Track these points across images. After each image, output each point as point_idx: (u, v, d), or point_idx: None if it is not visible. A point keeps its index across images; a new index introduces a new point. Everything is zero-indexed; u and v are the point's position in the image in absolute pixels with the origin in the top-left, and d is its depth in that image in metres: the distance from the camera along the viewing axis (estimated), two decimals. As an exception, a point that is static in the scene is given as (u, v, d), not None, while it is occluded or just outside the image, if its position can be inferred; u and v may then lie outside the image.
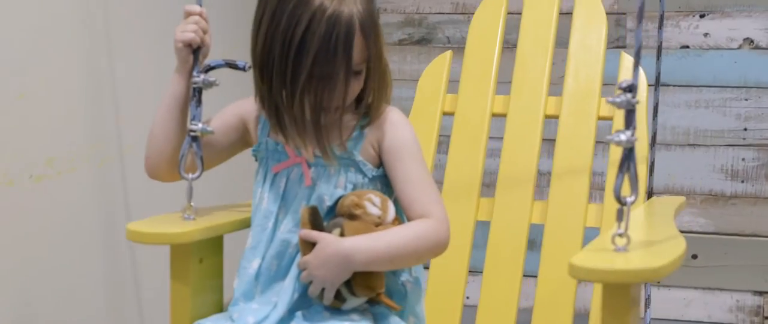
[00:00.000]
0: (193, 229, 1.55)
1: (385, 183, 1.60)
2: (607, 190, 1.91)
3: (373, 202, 1.54)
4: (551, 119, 1.99)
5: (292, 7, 1.49)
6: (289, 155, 1.59)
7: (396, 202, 1.59)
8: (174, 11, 2.40)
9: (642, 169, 1.87)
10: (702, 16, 2.68)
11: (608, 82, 1.96)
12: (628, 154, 1.31)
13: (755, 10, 2.64)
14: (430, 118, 2.03)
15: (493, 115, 2.01)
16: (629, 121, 1.30)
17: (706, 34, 2.69)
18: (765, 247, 2.69)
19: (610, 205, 1.83)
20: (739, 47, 2.67)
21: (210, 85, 1.63)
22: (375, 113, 1.59)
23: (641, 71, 1.75)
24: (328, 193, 1.57)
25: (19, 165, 2.00)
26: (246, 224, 1.65)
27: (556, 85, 2.02)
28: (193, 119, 1.62)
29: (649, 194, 1.95)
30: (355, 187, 1.57)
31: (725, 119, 2.69)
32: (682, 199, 1.91)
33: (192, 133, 1.61)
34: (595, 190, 2.62)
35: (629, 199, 1.30)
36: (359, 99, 1.58)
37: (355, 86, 1.53)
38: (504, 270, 1.91)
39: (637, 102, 1.30)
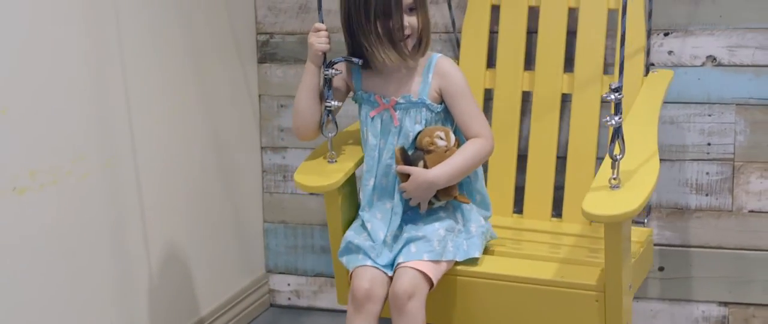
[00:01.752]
0: (338, 178, 2.32)
1: (446, 114, 2.34)
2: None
3: (440, 137, 2.27)
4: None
5: None
6: (379, 103, 2.34)
7: (455, 129, 2.34)
8: (156, 33, 2.47)
9: (641, 57, 2.61)
10: (666, 35, 2.74)
11: None
12: (617, 131, 2.04)
13: (717, 28, 2.71)
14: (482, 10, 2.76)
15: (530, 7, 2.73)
16: (617, 109, 2.03)
17: (670, 52, 2.75)
18: (729, 259, 2.78)
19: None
20: (702, 64, 2.74)
21: (335, 74, 2.35)
22: (424, 50, 2.33)
23: None
24: (410, 127, 2.31)
25: (2, 178, 2.06)
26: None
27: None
28: (327, 99, 2.35)
29: (647, 69, 2.64)
30: (427, 122, 2.31)
31: (690, 134, 2.76)
32: (670, 74, 2.62)
33: (328, 107, 2.35)
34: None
35: (619, 156, 2.04)
36: (418, 45, 2.31)
37: (412, 21, 2.29)
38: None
39: (622, 97, 2.02)
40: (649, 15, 2.63)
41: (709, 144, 2.76)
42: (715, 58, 2.73)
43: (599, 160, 2.55)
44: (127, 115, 2.47)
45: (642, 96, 2.50)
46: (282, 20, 3.05)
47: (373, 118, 2.35)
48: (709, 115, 2.75)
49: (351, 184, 2.42)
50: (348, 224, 2.40)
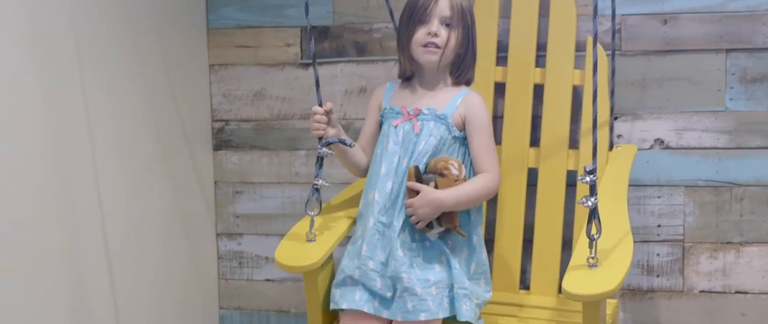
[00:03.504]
0: (319, 258, 2.31)
1: (462, 142, 2.42)
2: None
3: (455, 167, 2.34)
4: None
5: None
6: (404, 113, 2.43)
7: (468, 163, 2.42)
8: (117, 117, 2.48)
9: (605, 132, 2.69)
10: (615, 119, 2.79)
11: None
12: (593, 212, 2.09)
13: (664, 112, 2.77)
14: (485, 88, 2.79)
15: (496, 82, 2.81)
16: (592, 191, 2.08)
17: (619, 136, 2.80)
18: (682, 339, 2.81)
19: (584, 148, 2.69)
20: (651, 147, 2.79)
21: (328, 155, 2.40)
22: (461, 80, 2.47)
23: (604, 54, 2.68)
24: (425, 139, 2.39)
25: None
26: (349, 235, 2.48)
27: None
28: (316, 177, 2.38)
29: (611, 145, 2.71)
30: (441, 139, 2.39)
31: (640, 216, 2.81)
32: (634, 149, 2.72)
33: (315, 186, 2.38)
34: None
35: (596, 236, 2.08)
36: (454, 71, 2.46)
37: (444, 33, 2.40)
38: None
39: (597, 178, 2.07)
40: (612, 92, 2.69)
41: (659, 225, 2.80)
42: (662, 141, 2.78)
43: (567, 226, 2.69)
44: (83, 201, 2.47)
45: (609, 172, 2.56)
46: (237, 107, 3.08)
47: (396, 127, 2.43)
48: (659, 197, 2.80)
49: (330, 261, 2.44)
50: (327, 302, 2.41)
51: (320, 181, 2.38)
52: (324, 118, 2.40)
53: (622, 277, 2.02)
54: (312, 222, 2.38)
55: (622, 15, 2.77)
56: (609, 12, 2.65)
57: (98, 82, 2.52)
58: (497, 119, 2.77)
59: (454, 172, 2.33)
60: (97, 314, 2.54)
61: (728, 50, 2.73)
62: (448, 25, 2.40)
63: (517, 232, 2.74)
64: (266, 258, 3.14)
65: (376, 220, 2.37)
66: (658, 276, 2.82)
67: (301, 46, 3.01)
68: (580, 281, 2.03)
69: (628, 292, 2.84)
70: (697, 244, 2.79)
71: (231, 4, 3.03)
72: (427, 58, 2.41)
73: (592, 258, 2.08)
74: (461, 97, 2.43)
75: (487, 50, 2.76)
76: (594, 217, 2.08)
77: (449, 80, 2.47)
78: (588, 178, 2.06)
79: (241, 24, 3.04)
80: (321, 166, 2.39)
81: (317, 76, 2.42)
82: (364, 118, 2.88)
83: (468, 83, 2.49)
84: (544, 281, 2.69)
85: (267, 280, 3.15)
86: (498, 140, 2.75)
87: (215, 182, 3.14)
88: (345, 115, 2.98)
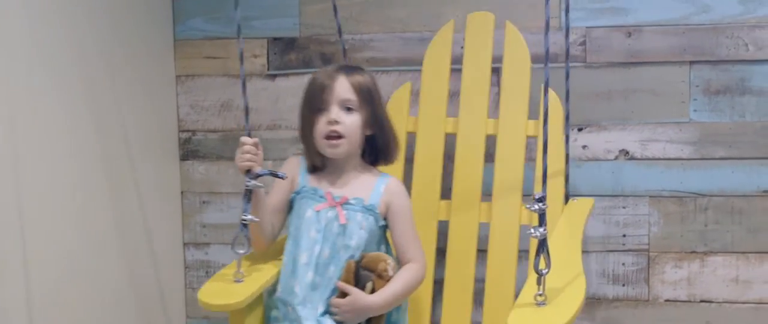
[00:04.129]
0: (244, 297, 2.18)
1: (383, 232, 2.34)
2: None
3: (391, 267, 2.26)
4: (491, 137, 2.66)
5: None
6: (328, 199, 2.29)
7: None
8: (71, 128, 2.47)
9: (561, 181, 2.60)
10: (580, 130, 2.82)
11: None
12: (542, 243, 1.95)
13: (629, 123, 2.79)
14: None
15: (446, 134, 2.70)
16: (542, 220, 1.95)
17: (584, 147, 2.82)
18: (647, 348, 2.84)
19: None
20: (616, 158, 2.81)
21: (258, 188, 2.24)
22: (380, 163, 2.38)
23: (558, 99, 2.60)
24: (354, 231, 2.28)
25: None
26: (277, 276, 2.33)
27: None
28: (244, 212, 2.23)
29: (566, 198, 2.63)
30: (371, 232, 2.29)
31: (606, 226, 2.83)
32: (591, 202, 2.64)
33: (243, 222, 2.23)
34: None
35: (545, 271, 1.93)
36: (370, 155, 2.37)
37: (346, 119, 2.27)
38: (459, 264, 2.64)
39: (546, 207, 1.94)
40: (567, 139, 2.65)
41: (624, 235, 2.83)
42: (627, 152, 2.81)
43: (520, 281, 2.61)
44: (41, 213, 2.46)
45: (563, 220, 2.48)
46: (204, 118, 3.08)
47: (318, 213, 2.29)
48: (624, 208, 2.82)
49: (259, 303, 2.32)
50: None
51: (249, 217, 2.23)
52: (254, 149, 2.25)
53: (572, 315, 1.88)
54: (239, 261, 2.26)
55: (587, 27, 2.79)
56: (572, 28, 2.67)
57: (64, 93, 2.51)
58: (447, 175, 2.70)
59: (391, 273, 2.26)
60: (56, 322, 2.53)
61: (692, 62, 2.75)
62: (349, 109, 2.27)
63: (467, 288, 2.61)
64: (233, 268, 3.13)
65: (295, 309, 2.25)
66: (623, 285, 2.84)
67: (268, 58, 3.00)
68: (527, 319, 1.89)
69: (593, 301, 2.85)
70: (662, 254, 2.82)
71: (198, 16, 3.03)
72: (332, 151, 2.29)
73: (540, 295, 1.93)
74: (383, 184, 2.34)
75: (438, 99, 2.70)
76: (542, 250, 1.94)
77: (365, 162, 2.37)
78: (536, 206, 1.93)
79: (208, 35, 3.04)
80: (249, 200, 2.24)
81: (247, 104, 2.30)
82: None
83: (385, 163, 2.39)
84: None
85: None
86: (447, 195, 2.66)
87: (182, 192, 3.13)
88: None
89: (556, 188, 2.56)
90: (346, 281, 2.25)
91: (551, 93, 2.55)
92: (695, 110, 2.76)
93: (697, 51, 2.74)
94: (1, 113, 2.28)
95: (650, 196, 2.81)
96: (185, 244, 3.16)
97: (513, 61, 2.66)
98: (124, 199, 2.82)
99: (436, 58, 2.71)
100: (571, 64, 2.69)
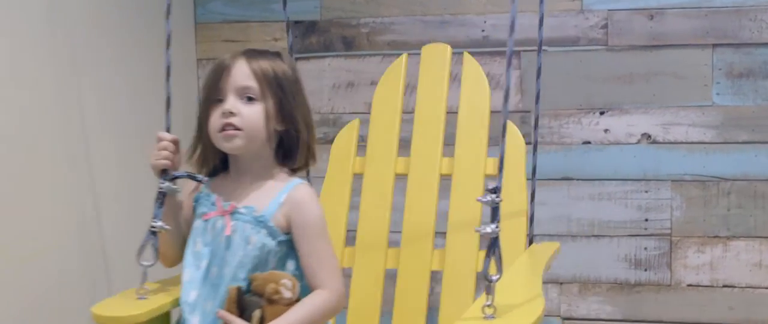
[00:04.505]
0: (142, 312, 1.83)
1: (290, 247, 1.89)
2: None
3: (287, 287, 1.81)
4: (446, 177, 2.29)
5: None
6: (217, 207, 1.90)
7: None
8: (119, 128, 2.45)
9: (523, 221, 2.19)
10: (602, 113, 2.80)
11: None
12: (494, 242, 1.61)
13: (651, 107, 2.77)
14: (342, 180, 2.34)
15: (397, 174, 2.32)
16: (494, 215, 1.61)
17: (606, 130, 2.81)
18: (670, 333, 2.83)
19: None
20: (638, 142, 2.80)
21: (174, 192, 1.94)
22: (291, 166, 1.94)
23: (519, 135, 2.25)
24: (240, 247, 1.86)
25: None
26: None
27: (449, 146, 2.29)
28: (154, 218, 1.92)
29: (530, 241, 2.28)
30: (264, 248, 1.85)
31: (627, 211, 2.81)
32: (556, 245, 2.27)
33: (152, 229, 1.92)
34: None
35: (495, 278, 1.60)
36: (280, 156, 1.93)
37: (244, 110, 1.86)
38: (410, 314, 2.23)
39: (501, 200, 1.60)
40: (533, 172, 2.34)
41: (646, 220, 2.81)
42: (649, 136, 2.79)
43: None
44: (65, 196, 2.47)
45: (524, 257, 2.15)
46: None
47: (206, 222, 1.91)
48: (646, 192, 2.80)
49: (164, 322, 1.97)
50: None
51: (159, 224, 1.92)
52: (171, 147, 1.94)
53: None
54: (144, 274, 1.92)
55: (609, 10, 2.78)
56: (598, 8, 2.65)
57: (86, 78, 2.51)
58: (397, 211, 2.30)
59: (287, 295, 1.82)
60: (87, 305, 2.53)
61: (715, 45, 2.73)
62: (250, 99, 1.87)
63: None
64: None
65: None
66: (645, 270, 2.83)
67: (289, 41, 3.00)
68: None
69: (615, 286, 2.84)
70: (684, 238, 2.80)
71: (218, -1, 3.04)
72: (228, 145, 1.87)
73: (489, 306, 1.59)
74: (286, 193, 1.89)
75: (388, 138, 2.34)
76: (493, 252, 1.62)
77: (278, 167, 1.95)
78: (489, 198, 1.61)
79: (229, 18, 3.03)
80: (161, 205, 1.93)
81: (169, 94, 2.04)
82: (352, 113, 2.89)
83: (296, 168, 1.97)
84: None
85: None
86: (398, 242, 2.28)
87: (202, 177, 3.13)
88: (333, 109, 2.97)
89: (516, 229, 2.18)
90: (229, 311, 1.82)
91: (511, 126, 2.23)
92: (718, 93, 2.74)
93: (719, 34, 2.73)
94: (27, 99, 2.28)
95: (672, 180, 2.79)
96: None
97: (471, 93, 2.32)
98: (146, 184, 2.81)
99: (388, 94, 2.38)
100: (592, 48, 2.68)
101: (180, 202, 1.99)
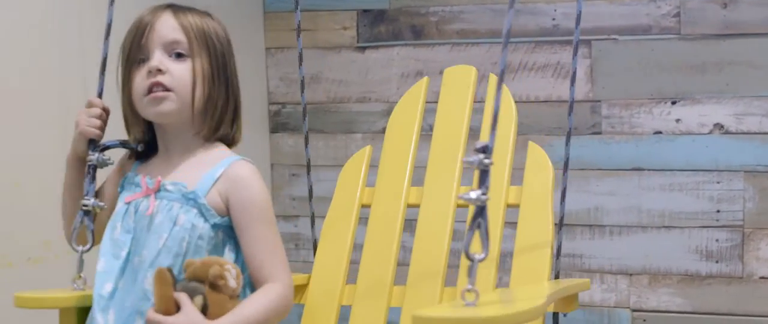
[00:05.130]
0: (72, 295, 1.68)
1: (227, 233, 1.65)
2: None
3: (232, 275, 1.56)
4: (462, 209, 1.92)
5: None
6: (142, 187, 1.65)
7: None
8: None
9: (546, 253, 1.90)
10: (674, 103, 2.77)
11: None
12: (480, 212, 1.34)
13: (724, 96, 2.73)
14: (347, 212, 2.09)
15: (409, 205, 2.07)
16: (482, 180, 1.34)
17: (678, 120, 2.77)
18: (740, 326, 2.79)
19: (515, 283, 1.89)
20: (710, 132, 2.76)
21: (104, 163, 1.72)
22: (217, 135, 1.68)
23: (546, 156, 1.96)
24: (165, 227, 1.61)
25: (17, 248, 2.08)
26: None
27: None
28: (86, 195, 1.69)
29: (556, 275, 2.02)
30: (194, 230, 1.61)
31: (699, 202, 2.78)
32: (585, 282, 2.00)
33: (84, 208, 1.69)
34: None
35: (478, 257, 1.33)
36: (205, 122, 1.66)
37: (174, 68, 1.63)
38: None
39: (491, 163, 1.34)
40: (563, 196, 2.04)
41: (718, 211, 2.77)
42: (722, 126, 2.75)
43: None
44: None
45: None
46: (293, 90, 3.09)
47: (128, 205, 1.67)
48: (718, 183, 2.76)
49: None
50: None
51: (92, 201, 1.70)
52: (103, 115, 1.72)
53: (506, 313, 1.30)
54: (80, 262, 1.73)
55: (682, -2, 2.75)
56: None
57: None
58: (407, 252, 2.07)
59: (232, 283, 1.57)
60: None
61: (790, 34, 2.69)
62: (179, 56, 1.64)
63: None
64: (322, 240, 3.14)
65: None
66: (716, 262, 2.79)
67: (358, 30, 3.01)
68: (441, 310, 1.39)
69: (686, 278, 2.81)
70: (757, 230, 2.76)
71: (287, -13, 3.05)
72: (156, 109, 1.63)
73: (469, 291, 1.31)
74: (223, 167, 1.65)
75: (400, 168, 2.10)
76: (477, 223, 1.34)
77: (211, 139, 1.70)
78: (476, 158, 1.35)
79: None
80: (93, 179, 1.72)
81: (105, 56, 1.79)
82: (420, 102, 2.87)
83: (229, 142, 1.72)
84: None
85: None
86: (402, 279, 2.00)
87: (272, 165, 3.15)
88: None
89: (538, 262, 1.91)
90: (164, 295, 1.55)
91: (536, 149, 2.02)
92: (793, 83, 2.70)
93: (795, 22, 2.68)
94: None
95: (745, 171, 2.75)
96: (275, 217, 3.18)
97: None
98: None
99: (404, 120, 2.16)
100: (664, 37, 2.65)
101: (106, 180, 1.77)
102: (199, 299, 1.55)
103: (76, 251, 1.71)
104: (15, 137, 2.11)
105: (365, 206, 2.10)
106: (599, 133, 2.79)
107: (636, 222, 2.80)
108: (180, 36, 1.63)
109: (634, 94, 2.79)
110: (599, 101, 2.81)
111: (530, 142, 2.03)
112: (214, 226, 1.63)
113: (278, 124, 3.13)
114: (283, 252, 1.65)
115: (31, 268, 2.13)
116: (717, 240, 2.78)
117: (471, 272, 1.32)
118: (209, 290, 1.55)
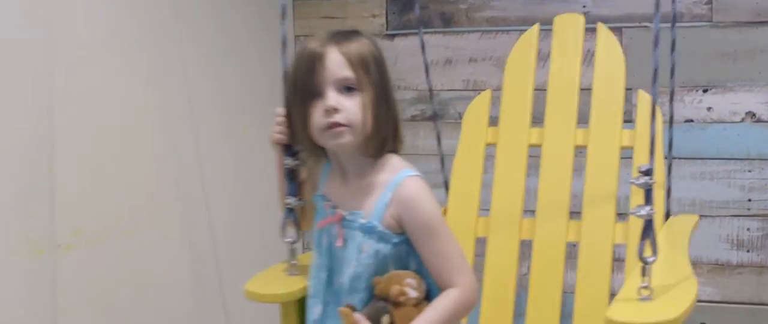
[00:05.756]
0: (298, 288, 1.89)
1: (408, 246, 1.76)
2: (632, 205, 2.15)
3: (412, 287, 1.72)
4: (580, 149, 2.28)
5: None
6: (327, 213, 1.80)
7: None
8: (218, 90, 2.49)
9: (660, 194, 2.15)
10: (705, 91, 2.75)
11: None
12: (648, 225, 1.62)
13: (756, 85, 2.71)
14: (475, 150, 2.34)
15: (530, 145, 2.30)
16: (648, 198, 1.63)
17: (709, 109, 2.75)
18: (771, 315, 2.77)
19: (635, 223, 2.06)
20: (742, 121, 2.74)
21: (299, 166, 1.89)
22: (383, 153, 1.78)
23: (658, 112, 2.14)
24: (353, 257, 1.75)
25: (47, 235, 2.10)
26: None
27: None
28: (288, 195, 1.89)
29: (667, 215, 2.24)
30: (378, 255, 1.74)
31: (730, 190, 2.76)
32: (695, 218, 2.26)
33: (287, 206, 1.89)
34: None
35: (650, 259, 1.62)
36: (371, 145, 1.76)
37: (346, 104, 1.72)
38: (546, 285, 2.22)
39: (654, 183, 1.62)
40: (669, 144, 2.31)
41: (749, 200, 2.76)
42: (754, 114, 2.73)
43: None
44: (175, 172, 2.50)
45: (663, 234, 2.13)
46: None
47: (319, 231, 1.83)
48: (749, 171, 2.75)
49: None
50: None
51: (292, 200, 1.90)
52: (284, 121, 1.86)
53: (681, 312, 1.55)
54: (290, 251, 1.97)
55: (714, -15, 2.72)
56: None
57: (181, 52, 2.54)
58: (530, 191, 2.28)
59: (413, 294, 1.73)
60: (184, 277, 2.57)
61: (823, 21, 2.67)
62: (350, 90, 1.73)
63: (554, 315, 2.21)
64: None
65: None
66: (748, 251, 2.77)
67: (387, 17, 3.00)
68: (629, 311, 1.59)
69: (716, 267, 2.79)
70: (788, 220, 2.75)
71: (317, -25, 3.05)
72: (336, 142, 1.74)
73: (645, 288, 1.62)
74: (391, 192, 1.74)
75: (521, 108, 2.32)
76: (648, 234, 1.63)
77: (379, 156, 1.80)
78: (643, 180, 1.62)
79: (327, -5, 3.05)
80: (291, 180, 1.90)
81: (285, 68, 1.91)
82: (450, 90, 2.87)
83: (395, 150, 1.81)
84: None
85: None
86: (531, 205, 2.26)
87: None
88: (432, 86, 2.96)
89: (655, 199, 1.90)
90: None
91: (646, 96, 2.24)
92: (826, 71, 2.68)
93: (829, 10, 2.66)
94: (150, 84, 2.32)
95: (777, 160, 2.73)
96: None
97: (605, 65, 2.29)
98: (253, 159, 2.84)
99: (520, 64, 2.34)
100: (696, 24, 2.63)
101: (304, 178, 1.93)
102: (386, 319, 1.72)
103: (286, 242, 1.94)
104: (49, 123, 2.12)
105: (489, 145, 2.33)
106: (630, 121, 2.76)
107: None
108: (348, 73, 1.72)
109: (666, 83, 2.76)
110: (631, 89, 2.78)
111: (640, 91, 2.23)
112: (395, 245, 1.75)
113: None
114: (458, 257, 1.75)
115: (61, 256, 2.14)
116: (748, 229, 2.77)
117: (645, 272, 1.62)
118: (393, 307, 1.72)
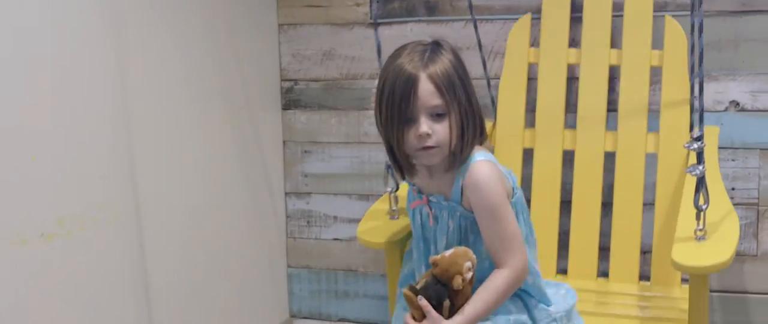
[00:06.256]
0: (402, 237, 2.28)
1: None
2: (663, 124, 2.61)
3: (469, 268, 1.93)
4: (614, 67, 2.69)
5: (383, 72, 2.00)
6: (416, 197, 2.09)
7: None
8: (188, 79, 2.48)
9: (685, 109, 2.58)
10: (690, 81, 2.75)
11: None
12: (701, 180, 2.04)
13: (739, 74, 2.72)
14: (519, 68, 2.72)
15: (569, 65, 2.70)
16: (700, 158, 2.05)
17: (693, 97, 2.75)
18: (754, 304, 2.77)
19: (666, 133, 2.58)
20: (726, 109, 2.75)
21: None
22: (461, 158, 1.99)
23: (680, 27, 2.59)
24: (444, 232, 2.04)
25: (30, 224, 2.09)
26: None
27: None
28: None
29: (691, 125, 2.53)
30: (460, 228, 2.02)
31: (713, 179, 2.77)
32: (716, 130, 2.67)
33: (388, 164, 2.23)
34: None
35: (703, 207, 2.03)
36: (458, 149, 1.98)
37: (437, 128, 1.95)
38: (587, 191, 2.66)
39: (705, 145, 2.04)
40: (697, 65, 2.41)
41: (733, 189, 2.76)
42: (738, 103, 2.73)
43: (648, 207, 2.58)
44: (153, 162, 2.49)
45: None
46: (306, 67, 3.08)
47: (412, 211, 2.12)
48: (733, 160, 2.75)
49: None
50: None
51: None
52: None
53: (733, 250, 1.97)
54: (391, 199, 2.36)
55: (698, -25, 2.72)
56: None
57: (167, 42, 2.53)
58: (570, 105, 2.70)
59: (469, 275, 1.94)
60: (157, 272, 2.56)
61: (807, 11, 2.68)
62: (440, 115, 1.96)
63: (594, 221, 2.64)
64: (334, 217, 3.15)
65: None
66: (731, 240, 2.78)
67: (371, 6, 2.99)
68: (691, 253, 1.97)
69: (700, 256, 2.80)
70: (772, 208, 2.76)
71: (300, -37, 3.03)
72: (428, 161, 2.01)
73: (700, 230, 2.03)
74: (463, 177, 2.00)
75: (559, 30, 2.70)
76: (702, 187, 2.03)
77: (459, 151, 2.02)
78: (695, 145, 2.02)
79: (311, -17, 3.04)
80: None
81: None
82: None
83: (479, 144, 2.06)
84: (624, 269, 2.61)
85: (335, 239, 3.16)
86: (572, 123, 2.68)
87: (284, 142, 3.15)
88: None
89: (679, 119, 2.57)
90: (413, 309, 1.96)
91: (672, 22, 2.60)
92: (809, 60, 2.69)
93: (812, -1, 2.66)
94: (117, 67, 2.30)
95: (761, 149, 2.73)
96: (287, 194, 3.18)
97: None
98: (227, 148, 2.83)
99: None
100: (679, 13, 2.63)
101: None
102: (447, 303, 1.92)
103: (387, 192, 2.36)
104: (32, 111, 2.10)
105: (532, 64, 2.73)
106: (615, 110, 2.76)
107: (650, 199, 2.78)
108: (438, 101, 1.93)
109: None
110: (615, 78, 2.79)
111: (667, 16, 2.60)
112: (474, 221, 2.00)
113: (290, 101, 3.12)
114: (514, 239, 1.98)
115: (44, 245, 2.13)
116: (731, 218, 2.77)
117: (699, 217, 2.03)
118: (453, 292, 1.92)
